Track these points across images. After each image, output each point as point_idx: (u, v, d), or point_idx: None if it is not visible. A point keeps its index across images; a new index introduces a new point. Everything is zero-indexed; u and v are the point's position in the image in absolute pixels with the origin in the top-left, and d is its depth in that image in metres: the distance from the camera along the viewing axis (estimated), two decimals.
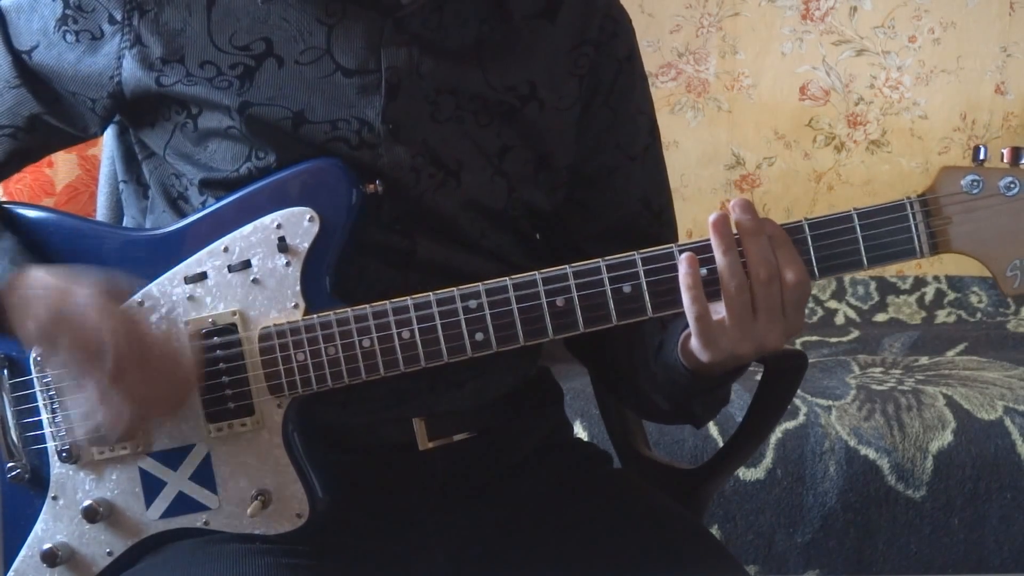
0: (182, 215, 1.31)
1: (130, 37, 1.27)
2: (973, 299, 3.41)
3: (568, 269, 1.19)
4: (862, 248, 1.16)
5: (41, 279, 1.20)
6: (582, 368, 1.48)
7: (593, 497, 1.36)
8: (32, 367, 1.26)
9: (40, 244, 1.29)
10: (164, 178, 1.34)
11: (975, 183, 1.15)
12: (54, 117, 1.33)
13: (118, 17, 1.28)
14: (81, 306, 1.17)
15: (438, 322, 1.20)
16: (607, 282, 1.18)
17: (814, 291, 3.41)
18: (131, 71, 1.28)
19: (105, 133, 1.41)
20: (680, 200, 3.58)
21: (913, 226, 1.16)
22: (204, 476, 1.24)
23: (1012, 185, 1.14)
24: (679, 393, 1.29)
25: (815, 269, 1.17)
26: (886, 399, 2.51)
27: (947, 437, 2.41)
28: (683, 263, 1.15)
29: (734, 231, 1.16)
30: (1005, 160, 1.15)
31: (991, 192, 1.15)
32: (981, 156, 1.16)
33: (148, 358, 1.17)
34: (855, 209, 1.16)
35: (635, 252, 1.18)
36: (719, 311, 1.16)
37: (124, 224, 1.44)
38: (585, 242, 1.37)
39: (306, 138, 1.25)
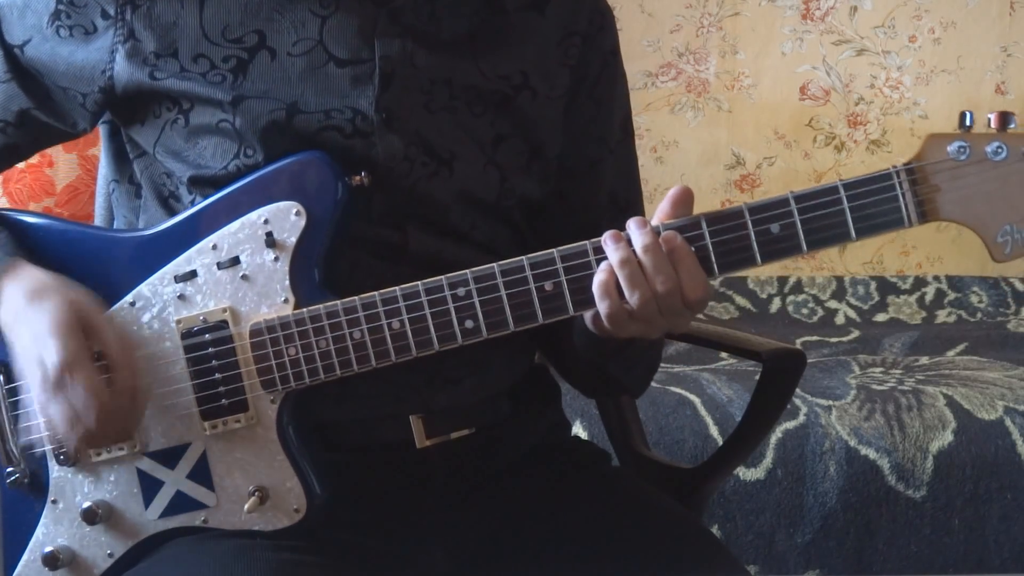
0: (174, 213, 1.31)
1: (123, 32, 1.28)
2: (973, 299, 3.41)
3: (555, 253, 1.19)
4: (849, 220, 1.15)
5: (25, 273, 1.22)
6: None
7: (591, 496, 1.35)
8: None
9: (29, 249, 1.28)
10: (155, 177, 1.34)
11: (962, 149, 1.13)
12: (44, 113, 1.34)
13: (111, 12, 1.28)
14: (47, 308, 1.18)
15: (427, 311, 1.19)
16: (594, 264, 1.18)
17: (814, 291, 3.42)
18: (123, 66, 1.28)
19: (101, 132, 1.41)
20: None
21: (900, 195, 1.14)
22: (201, 474, 1.24)
23: (999, 150, 1.12)
24: (590, 355, 1.31)
25: (803, 242, 1.16)
26: (886, 399, 2.51)
27: (947, 437, 2.41)
28: (601, 271, 1.17)
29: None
30: (992, 125, 1.14)
31: (978, 158, 1.13)
32: (967, 123, 1.14)
33: (86, 382, 1.17)
34: (840, 180, 1.15)
35: (625, 233, 1.18)
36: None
37: (116, 224, 1.44)
38: (566, 236, 1.37)
39: (300, 128, 1.26)
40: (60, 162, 2.70)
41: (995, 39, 3.46)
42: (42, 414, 1.19)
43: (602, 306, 1.17)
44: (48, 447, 1.26)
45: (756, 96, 3.48)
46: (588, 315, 1.21)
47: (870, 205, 1.14)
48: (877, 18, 3.46)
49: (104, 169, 1.48)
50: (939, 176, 1.13)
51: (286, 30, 1.27)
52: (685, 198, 1.18)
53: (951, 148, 1.13)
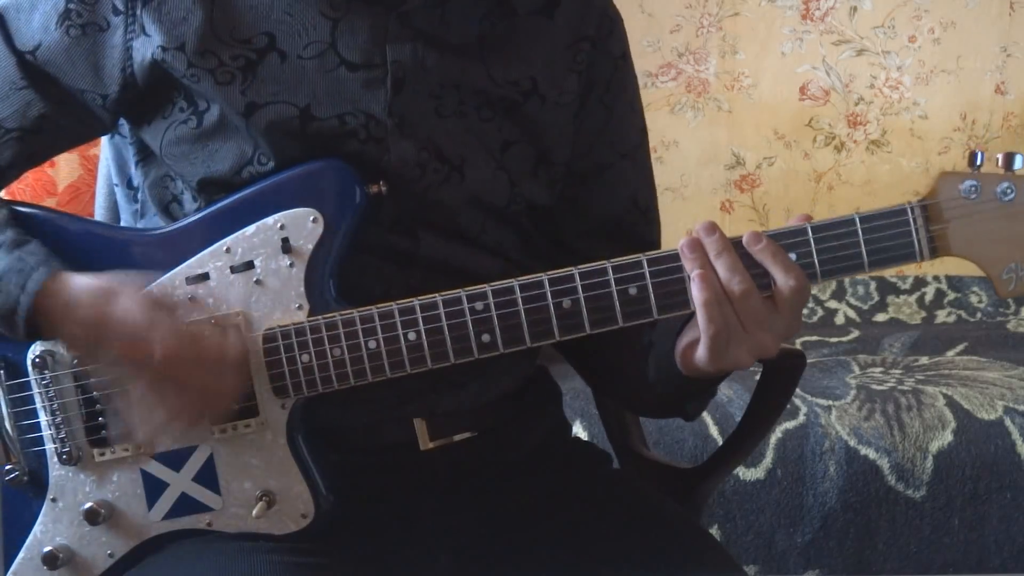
0: (173, 220, 1.30)
1: (135, 27, 1.26)
2: (973, 299, 3.42)
3: (575, 271, 1.19)
4: (864, 251, 1.17)
5: (82, 284, 1.20)
6: None
7: (592, 497, 1.36)
8: (30, 369, 1.26)
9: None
10: (157, 181, 1.33)
11: (973, 188, 1.17)
12: (62, 117, 1.31)
13: (121, 7, 1.26)
14: (126, 309, 1.17)
15: (444, 323, 1.19)
16: (613, 284, 1.18)
17: (814, 291, 3.41)
18: (140, 60, 1.26)
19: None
20: (680, 200, 3.61)
21: (914, 231, 1.17)
22: (207, 477, 1.23)
23: (1008, 191, 1.16)
24: (672, 393, 1.30)
25: (817, 272, 1.18)
26: (886, 399, 2.51)
27: (947, 437, 2.41)
28: (696, 281, 1.15)
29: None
30: (1000, 165, 1.17)
31: (988, 197, 1.16)
32: (978, 162, 1.18)
33: (197, 352, 1.17)
34: (857, 213, 1.17)
35: (641, 254, 1.19)
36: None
37: (121, 224, 1.44)
38: (574, 239, 1.38)
39: (316, 134, 1.25)
40: (61, 162, 2.70)
41: (995, 39, 3.46)
42: (156, 396, 1.17)
43: (706, 326, 1.16)
44: (51, 445, 1.25)
45: (756, 96, 3.49)
46: (679, 352, 1.21)
47: (884, 239, 1.17)
48: (877, 18, 3.46)
49: (104, 171, 1.48)
50: (950, 213, 1.17)
51: (297, 32, 1.26)
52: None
53: (963, 187, 1.17)
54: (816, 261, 1.17)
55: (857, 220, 1.17)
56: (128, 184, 1.38)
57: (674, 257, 1.18)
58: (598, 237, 1.37)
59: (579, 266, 1.19)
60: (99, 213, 1.56)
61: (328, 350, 1.20)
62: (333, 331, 1.20)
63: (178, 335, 1.16)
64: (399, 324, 1.20)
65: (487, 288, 1.19)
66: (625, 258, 1.19)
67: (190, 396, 1.17)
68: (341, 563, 1.24)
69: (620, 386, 1.40)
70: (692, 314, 1.18)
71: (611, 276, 1.18)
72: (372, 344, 1.20)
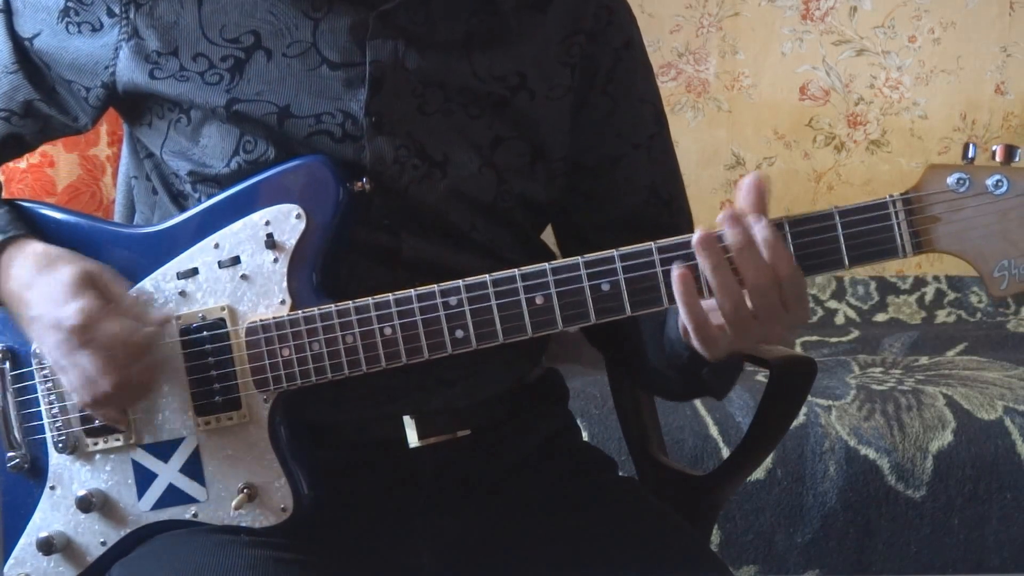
0: (184, 211, 1.32)
1: (127, 30, 1.29)
2: (973, 299, 3.41)
3: (547, 266, 1.18)
4: (843, 247, 1.13)
5: (32, 248, 1.24)
6: (584, 367, 1.46)
7: (585, 504, 1.34)
8: (32, 359, 1.29)
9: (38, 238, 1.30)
10: (165, 176, 1.35)
11: (962, 181, 1.11)
12: (48, 105, 1.35)
13: (116, 10, 1.29)
14: (58, 273, 1.20)
15: (419, 319, 1.20)
16: (585, 279, 1.17)
17: (814, 291, 3.42)
18: (126, 63, 1.29)
19: (124, 128, 1.42)
20: None
21: (896, 225, 1.12)
22: (193, 469, 1.25)
23: (1000, 183, 1.11)
24: (685, 367, 1.26)
25: None
26: (886, 399, 2.51)
27: (947, 437, 2.41)
28: (677, 281, 1.13)
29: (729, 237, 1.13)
30: (998, 158, 1.12)
31: (978, 190, 1.11)
32: (970, 154, 1.13)
33: (112, 333, 1.19)
34: (836, 207, 1.13)
35: (614, 250, 1.17)
36: (717, 317, 1.14)
37: (136, 218, 1.46)
38: (593, 233, 1.37)
39: (290, 132, 1.26)
40: (61, 162, 2.71)
41: (995, 39, 3.46)
42: (62, 376, 1.20)
43: (688, 322, 1.13)
44: (49, 434, 1.28)
45: (756, 96, 3.49)
46: (680, 328, 1.18)
47: (865, 234, 1.12)
48: (877, 18, 3.46)
49: (124, 165, 1.50)
50: (937, 207, 1.12)
51: (280, 31, 1.28)
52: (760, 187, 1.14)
53: (951, 180, 1.11)
54: (793, 256, 1.13)
55: (836, 214, 1.13)
56: (147, 177, 1.40)
57: (647, 253, 1.16)
58: (619, 231, 1.33)
59: (551, 262, 1.18)
60: (119, 210, 1.58)
61: (307, 344, 1.21)
62: (311, 325, 1.21)
63: (95, 317, 1.18)
64: (374, 319, 1.20)
65: (460, 284, 1.19)
66: (597, 254, 1.17)
67: (88, 377, 1.19)
68: (319, 558, 1.25)
69: (644, 368, 1.36)
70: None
71: (583, 272, 1.17)
72: (349, 338, 1.21)
